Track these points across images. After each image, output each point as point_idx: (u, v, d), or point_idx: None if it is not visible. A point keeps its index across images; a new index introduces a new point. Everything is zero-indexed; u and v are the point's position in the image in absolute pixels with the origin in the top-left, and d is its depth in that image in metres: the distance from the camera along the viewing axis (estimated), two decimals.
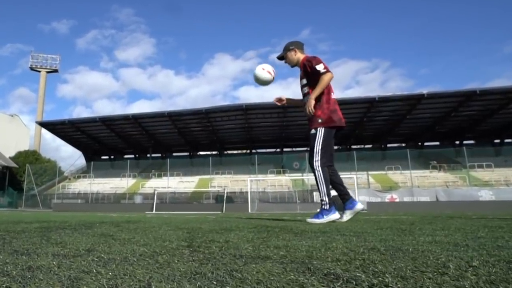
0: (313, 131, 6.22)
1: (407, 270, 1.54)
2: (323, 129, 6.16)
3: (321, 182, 6.11)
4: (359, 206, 6.42)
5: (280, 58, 6.90)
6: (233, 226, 5.01)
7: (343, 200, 6.37)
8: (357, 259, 1.86)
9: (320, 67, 6.19)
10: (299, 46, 6.77)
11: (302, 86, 6.60)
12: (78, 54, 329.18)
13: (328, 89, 6.27)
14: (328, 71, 6.17)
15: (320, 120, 6.17)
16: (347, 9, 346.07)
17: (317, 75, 6.21)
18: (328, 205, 6.05)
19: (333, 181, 6.39)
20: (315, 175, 6.22)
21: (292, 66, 6.78)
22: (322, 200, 6.12)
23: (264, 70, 6.69)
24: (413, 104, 48.98)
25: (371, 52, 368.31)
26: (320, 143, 6.14)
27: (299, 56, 6.67)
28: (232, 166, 58.35)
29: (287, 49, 6.76)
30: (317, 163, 6.14)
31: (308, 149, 6.71)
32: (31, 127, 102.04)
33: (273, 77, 6.74)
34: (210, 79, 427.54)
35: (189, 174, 59.08)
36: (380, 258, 1.86)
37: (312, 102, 6.22)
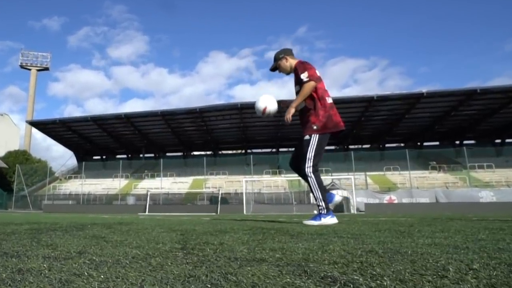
0: (307, 137, 6.25)
1: (406, 273, 1.55)
2: (317, 136, 6.20)
3: (315, 187, 6.16)
4: (338, 198, 6.57)
5: (273, 69, 7.00)
6: (227, 228, 5.02)
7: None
8: (354, 261, 1.87)
9: (303, 76, 6.28)
10: (288, 53, 6.86)
11: (296, 92, 6.60)
12: (70, 51, 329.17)
13: (319, 95, 6.31)
14: (310, 80, 6.23)
15: (315, 127, 6.21)
16: (345, 6, 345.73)
17: (301, 84, 6.30)
18: (325, 210, 6.08)
19: None
20: (308, 182, 6.27)
21: (288, 74, 6.85)
22: (319, 206, 6.15)
23: (264, 102, 6.82)
24: (412, 103, 49.01)
25: (369, 50, 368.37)
26: (313, 150, 6.17)
27: (291, 62, 6.74)
28: (227, 167, 58.34)
29: (277, 59, 6.85)
30: (308, 169, 6.17)
31: (294, 150, 6.79)
32: (21, 127, 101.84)
33: (264, 113, 6.85)
34: (204, 77, 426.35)
35: (182, 174, 59.10)
36: (378, 261, 1.87)
37: (292, 110, 6.34)
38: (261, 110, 6.79)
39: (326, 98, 6.33)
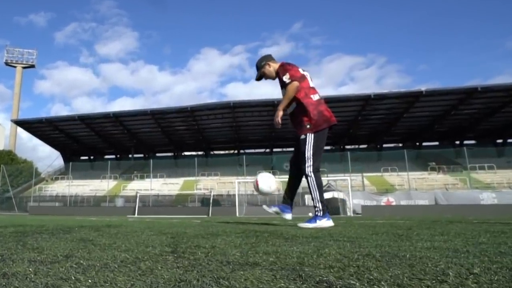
0: (302, 136, 6.32)
1: (404, 278, 1.55)
2: (312, 134, 6.24)
3: (314, 188, 6.19)
4: (287, 216, 6.76)
5: (259, 78, 7.12)
6: (219, 230, 5.01)
7: (286, 199, 6.88)
8: (351, 266, 1.87)
9: (285, 78, 6.41)
10: (269, 58, 6.98)
11: (283, 95, 6.65)
12: (57, 48, 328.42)
13: (303, 94, 6.38)
14: (293, 80, 6.34)
15: (308, 126, 6.28)
16: (342, 1, 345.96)
17: (285, 86, 6.42)
18: (321, 212, 6.11)
19: (294, 182, 6.72)
20: (307, 181, 6.30)
21: (274, 79, 6.93)
22: (315, 207, 6.18)
23: (265, 184, 7.16)
24: (410, 101, 49.09)
25: (367, 47, 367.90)
26: (311, 149, 6.23)
27: (274, 66, 6.84)
28: (219, 167, 58.40)
29: (260, 67, 6.96)
30: (309, 169, 6.22)
31: (294, 150, 6.88)
32: (6, 126, 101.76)
33: (256, 186, 7.23)
34: (196, 75, 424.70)
35: (173, 175, 59.12)
36: (376, 265, 1.87)
37: (280, 113, 6.50)
38: (262, 188, 7.21)
39: (312, 96, 6.40)
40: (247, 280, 1.54)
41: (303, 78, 6.44)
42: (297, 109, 6.41)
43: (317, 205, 6.15)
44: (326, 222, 6.01)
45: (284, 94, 6.52)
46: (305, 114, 6.28)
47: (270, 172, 47.22)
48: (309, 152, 6.20)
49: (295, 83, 6.27)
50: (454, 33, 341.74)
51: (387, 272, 1.67)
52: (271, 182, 7.11)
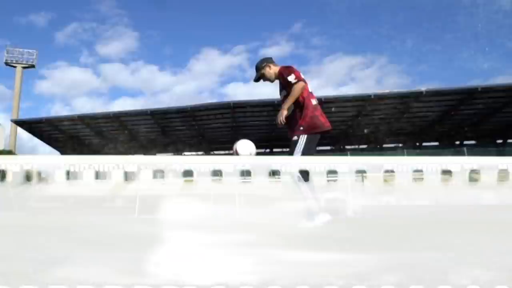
0: (295, 137, 6.34)
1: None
2: (305, 136, 6.27)
3: (303, 187, 6.19)
4: (325, 218, 6.65)
5: (257, 79, 7.15)
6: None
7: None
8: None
9: (291, 78, 6.38)
10: (269, 60, 7.00)
11: (284, 97, 6.67)
12: (57, 48, 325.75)
13: (304, 97, 6.40)
14: (299, 80, 6.33)
15: (301, 128, 6.30)
16: (342, 1, 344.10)
17: (290, 86, 6.38)
18: (317, 209, 6.10)
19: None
20: (296, 182, 6.30)
21: (272, 81, 6.98)
22: (310, 206, 6.18)
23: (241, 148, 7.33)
24: (410, 101, 48.87)
25: (367, 47, 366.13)
26: (301, 150, 6.23)
27: (274, 69, 6.84)
28: None
29: (260, 68, 6.98)
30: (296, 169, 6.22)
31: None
32: (7, 126, 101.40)
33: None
34: (196, 75, 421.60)
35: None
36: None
37: (284, 112, 6.44)
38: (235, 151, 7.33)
39: (311, 99, 6.44)
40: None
41: (305, 81, 6.46)
42: (295, 111, 6.42)
43: (311, 203, 6.16)
44: (322, 218, 6.02)
45: (285, 95, 6.54)
46: (301, 116, 6.31)
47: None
48: (298, 154, 6.22)
49: (302, 83, 6.28)
50: (455, 33, 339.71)
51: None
52: (251, 148, 7.14)
